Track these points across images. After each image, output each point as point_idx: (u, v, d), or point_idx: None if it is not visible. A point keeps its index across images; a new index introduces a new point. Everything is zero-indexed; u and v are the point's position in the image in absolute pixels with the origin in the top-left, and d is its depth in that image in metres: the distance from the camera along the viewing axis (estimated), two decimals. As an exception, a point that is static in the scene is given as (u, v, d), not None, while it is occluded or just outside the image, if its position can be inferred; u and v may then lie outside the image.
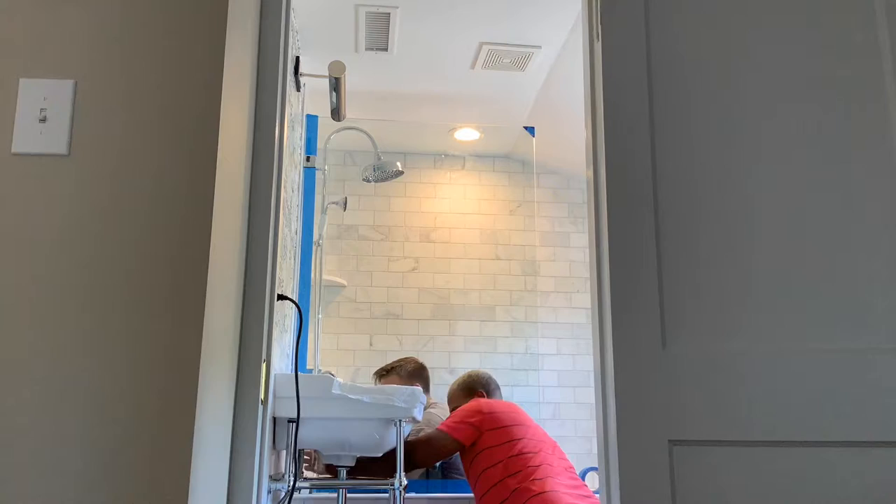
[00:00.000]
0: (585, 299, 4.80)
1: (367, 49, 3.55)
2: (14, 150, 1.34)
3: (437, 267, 4.34)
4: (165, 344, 1.28)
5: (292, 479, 2.16)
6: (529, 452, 2.76)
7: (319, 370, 3.81)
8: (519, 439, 2.78)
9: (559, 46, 3.54)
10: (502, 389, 4.47)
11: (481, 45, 3.53)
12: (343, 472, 2.57)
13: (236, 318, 1.60)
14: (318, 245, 3.82)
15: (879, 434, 1.50)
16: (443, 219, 4.68)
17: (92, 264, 1.30)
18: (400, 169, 3.75)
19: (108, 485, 1.23)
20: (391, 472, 2.48)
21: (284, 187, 2.25)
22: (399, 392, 2.45)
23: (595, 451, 3.57)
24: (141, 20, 1.40)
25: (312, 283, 3.80)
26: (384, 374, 3.41)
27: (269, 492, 1.96)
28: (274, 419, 2.14)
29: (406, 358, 3.52)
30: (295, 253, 3.15)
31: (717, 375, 1.53)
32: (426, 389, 3.44)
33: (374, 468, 2.72)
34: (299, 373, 2.14)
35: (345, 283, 4.37)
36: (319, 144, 3.78)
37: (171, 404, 1.26)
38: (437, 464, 3.51)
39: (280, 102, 1.78)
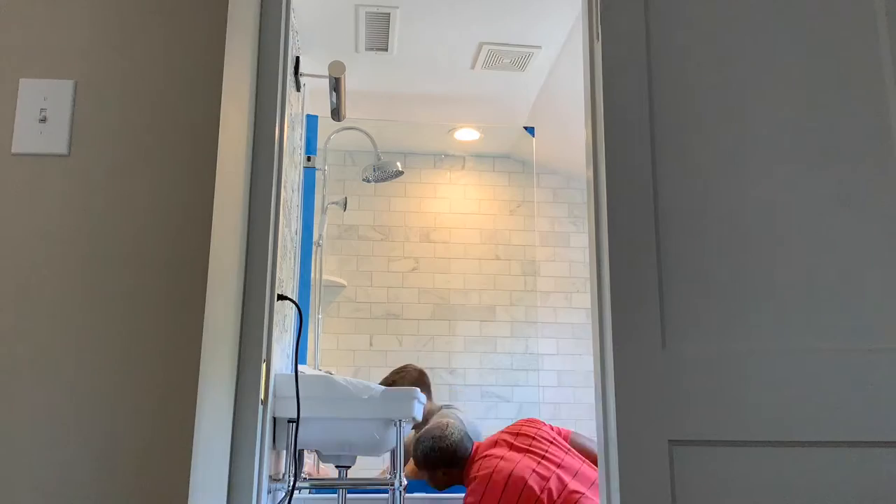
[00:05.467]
0: (585, 299, 4.80)
1: (367, 49, 3.55)
2: (14, 150, 1.34)
3: (437, 267, 4.34)
4: (165, 344, 1.28)
5: (292, 479, 2.16)
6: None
7: (319, 370, 3.81)
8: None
9: (559, 46, 3.54)
10: (503, 389, 4.48)
11: (481, 45, 3.53)
12: (343, 473, 2.57)
13: (236, 318, 1.60)
14: (318, 245, 3.82)
15: (879, 434, 1.50)
16: (443, 219, 4.68)
17: (92, 264, 1.30)
18: (400, 169, 3.75)
19: (108, 485, 1.23)
20: None
21: (284, 187, 2.25)
22: (399, 392, 2.45)
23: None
24: (141, 20, 1.40)
25: (312, 283, 3.79)
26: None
27: (269, 492, 1.96)
28: (274, 419, 2.14)
29: (405, 367, 3.46)
30: (295, 253, 3.15)
31: (717, 375, 1.53)
32: (429, 396, 3.40)
33: None
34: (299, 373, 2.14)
35: (345, 283, 4.37)
36: (319, 144, 3.78)
37: (171, 404, 1.26)
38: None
39: (280, 102, 1.78)
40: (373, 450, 2.50)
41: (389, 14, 3.27)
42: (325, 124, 3.67)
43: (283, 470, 2.37)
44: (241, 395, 1.60)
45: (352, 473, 2.63)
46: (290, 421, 2.20)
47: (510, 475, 2.74)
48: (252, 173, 1.70)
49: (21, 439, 1.23)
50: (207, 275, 1.31)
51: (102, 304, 1.29)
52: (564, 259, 4.93)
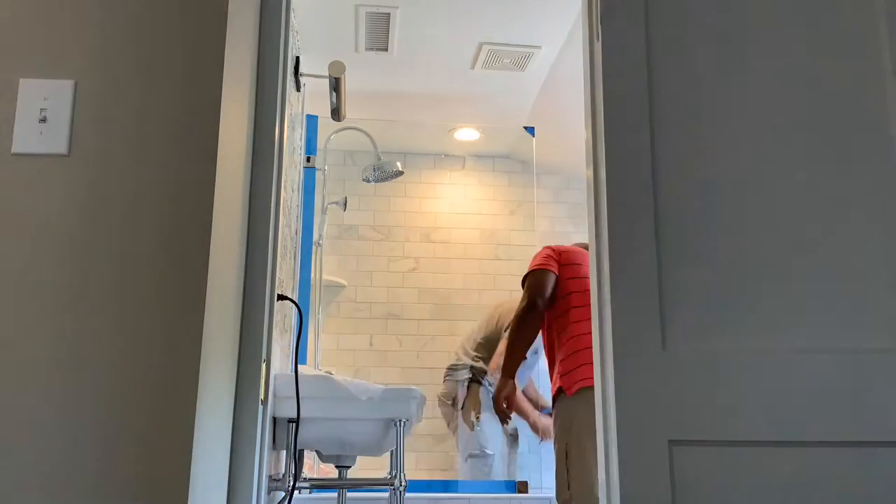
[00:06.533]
0: (585, 299, 4.78)
1: (367, 49, 3.55)
2: (14, 150, 1.34)
3: (437, 267, 4.33)
4: (165, 344, 1.28)
5: (292, 479, 2.16)
6: None
7: (319, 370, 3.81)
8: None
9: (559, 46, 3.54)
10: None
11: (481, 45, 3.53)
12: (343, 473, 2.57)
13: (236, 318, 1.60)
14: (318, 245, 3.82)
15: (879, 434, 1.50)
16: (443, 219, 4.67)
17: (92, 264, 1.30)
18: (400, 169, 3.75)
19: (109, 485, 1.23)
20: None
21: (284, 187, 2.25)
22: (399, 392, 2.45)
23: (595, 451, 3.56)
24: (141, 20, 1.40)
25: (312, 283, 3.79)
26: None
27: (269, 492, 1.96)
28: (274, 419, 2.14)
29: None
30: (295, 253, 3.15)
31: (718, 375, 1.52)
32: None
33: None
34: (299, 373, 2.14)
35: (345, 283, 4.37)
36: (319, 144, 3.78)
37: (171, 404, 1.26)
38: None
39: (280, 102, 1.78)
40: (373, 450, 2.50)
41: (389, 14, 3.27)
42: (325, 124, 3.67)
43: (283, 470, 2.37)
44: (241, 395, 1.60)
45: (351, 473, 2.63)
46: (290, 421, 2.20)
47: None
48: (252, 173, 1.70)
49: (21, 440, 1.23)
50: (207, 275, 1.31)
51: (102, 303, 1.29)
52: (564, 259, 4.91)
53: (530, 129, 4.49)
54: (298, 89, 2.99)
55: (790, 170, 1.63)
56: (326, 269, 4.09)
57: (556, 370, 2.72)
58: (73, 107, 1.36)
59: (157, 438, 1.24)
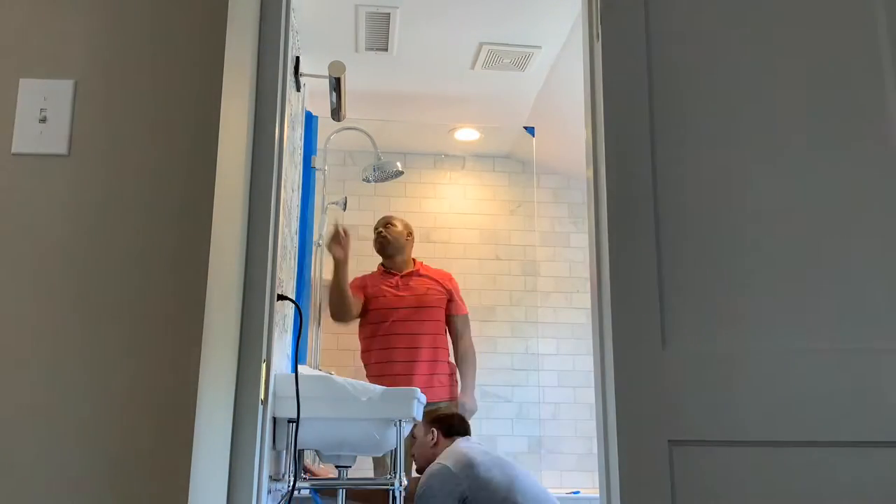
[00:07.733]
0: (585, 299, 4.78)
1: (367, 49, 3.55)
2: (14, 150, 1.34)
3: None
4: (166, 344, 1.28)
5: (292, 479, 2.16)
6: None
7: (319, 370, 3.80)
8: None
9: (559, 46, 3.54)
10: (503, 389, 4.48)
11: (481, 45, 3.53)
12: (343, 473, 2.57)
13: (236, 318, 1.60)
14: (318, 245, 3.81)
15: (879, 434, 1.50)
16: (443, 219, 4.68)
17: (92, 264, 1.30)
18: (400, 169, 3.75)
19: (108, 485, 1.23)
20: None
21: (284, 187, 2.25)
22: (398, 392, 2.45)
23: (595, 451, 3.57)
24: (141, 20, 1.40)
25: (312, 283, 3.79)
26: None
27: (269, 492, 1.96)
28: (274, 419, 2.14)
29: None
30: (295, 253, 3.15)
31: (718, 375, 1.52)
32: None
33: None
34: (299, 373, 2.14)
35: (345, 283, 4.35)
36: (319, 144, 3.78)
37: (172, 404, 1.26)
38: None
39: (280, 102, 1.78)
40: (373, 450, 2.51)
41: (389, 14, 3.27)
42: (325, 124, 3.66)
43: (283, 470, 2.37)
44: (241, 395, 1.60)
45: (351, 473, 2.63)
46: (290, 421, 2.20)
47: None
48: (252, 173, 1.70)
49: (21, 439, 1.23)
50: (207, 275, 1.31)
51: (102, 304, 1.29)
52: (564, 259, 4.93)
53: (530, 129, 4.49)
54: (298, 89, 2.99)
55: (790, 169, 1.63)
56: (326, 269, 4.08)
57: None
58: (73, 107, 1.36)
59: (157, 438, 1.24)
